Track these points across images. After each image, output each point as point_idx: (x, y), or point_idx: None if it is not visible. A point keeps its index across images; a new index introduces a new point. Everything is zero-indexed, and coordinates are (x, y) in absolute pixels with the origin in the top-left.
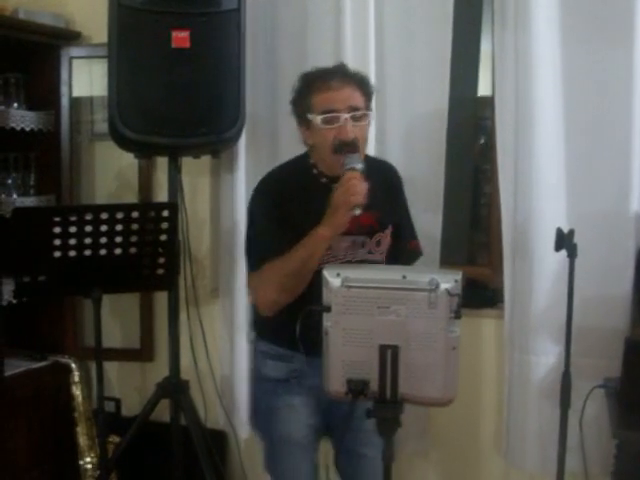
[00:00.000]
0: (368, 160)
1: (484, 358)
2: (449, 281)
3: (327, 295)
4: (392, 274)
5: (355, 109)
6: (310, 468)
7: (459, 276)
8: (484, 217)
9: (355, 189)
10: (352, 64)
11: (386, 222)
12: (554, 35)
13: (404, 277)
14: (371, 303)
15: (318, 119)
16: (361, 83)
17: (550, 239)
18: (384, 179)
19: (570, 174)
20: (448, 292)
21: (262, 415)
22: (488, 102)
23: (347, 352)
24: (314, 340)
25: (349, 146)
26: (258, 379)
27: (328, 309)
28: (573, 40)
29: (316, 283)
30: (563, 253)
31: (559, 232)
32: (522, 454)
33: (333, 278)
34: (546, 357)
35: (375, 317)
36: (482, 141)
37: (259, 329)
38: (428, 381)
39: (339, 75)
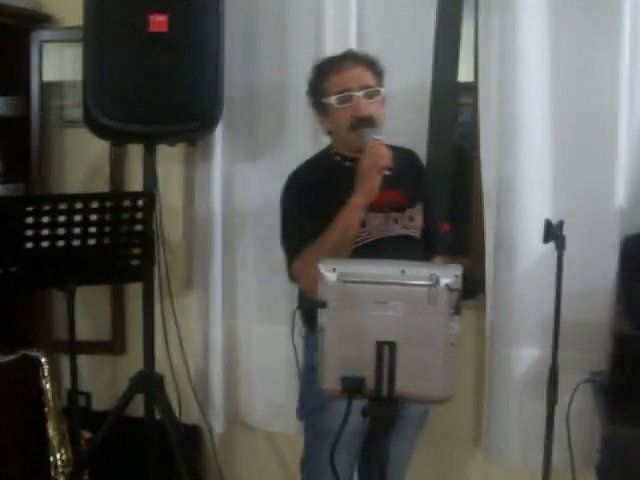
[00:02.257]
0: (390, 145)
1: (463, 350)
2: (449, 276)
3: (323, 290)
4: (390, 269)
5: (367, 87)
6: (352, 466)
7: (459, 271)
8: (464, 206)
9: (381, 151)
10: (332, 47)
11: (414, 199)
12: (541, 18)
13: (403, 272)
14: (368, 298)
15: (333, 100)
16: (371, 63)
17: (534, 230)
18: (407, 161)
19: (555, 164)
20: (448, 287)
21: (311, 407)
22: (470, 88)
23: (343, 349)
24: None
25: (365, 122)
26: (309, 372)
27: (324, 304)
28: (560, 24)
29: None
30: (547, 244)
31: (548, 223)
32: (503, 449)
33: (329, 273)
34: (528, 350)
35: (372, 313)
36: (463, 127)
37: (311, 323)
38: (426, 378)
39: (349, 58)
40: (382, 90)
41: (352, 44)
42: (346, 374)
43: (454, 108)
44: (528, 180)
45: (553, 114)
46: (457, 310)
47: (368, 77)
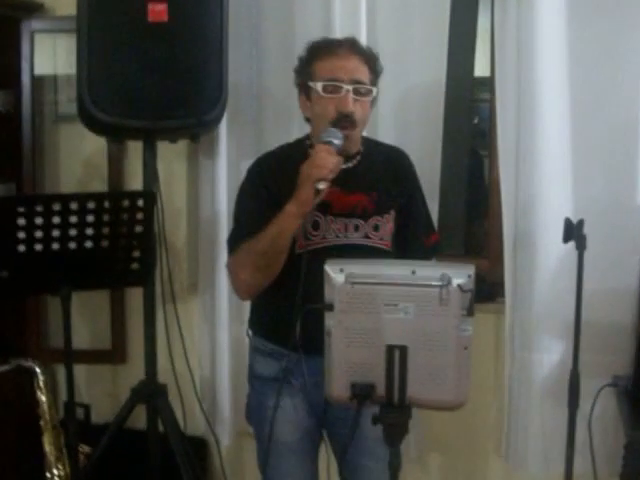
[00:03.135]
0: (376, 143)
1: (482, 356)
2: (461, 276)
3: (329, 292)
4: (400, 269)
5: (359, 82)
6: (305, 474)
7: (472, 271)
8: (482, 204)
9: (321, 161)
10: None
11: (386, 206)
12: (559, 10)
13: (413, 272)
14: (377, 300)
15: (319, 86)
16: (369, 58)
17: (554, 228)
18: (389, 162)
19: (576, 160)
20: (460, 288)
21: (253, 414)
22: (486, 83)
23: (351, 354)
24: (310, 338)
25: (346, 119)
26: (250, 376)
27: (330, 307)
28: (579, 16)
29: (310, 276)
30: (568, 244)
31: (568, 222)
32: (524, 456)
33: (336, 274)
34: (549, 354)
35: (382, 315)
36: (478, 123)
37: (253, 324)
38: (439, 383)
39: (347, 45)
40: (374, 90)
41: (362, 38)
42: (355, 380)
43: (470, 104)
44: (547, 178)
45: (572, 109)
46: (470, 312)
47: (363, 72)
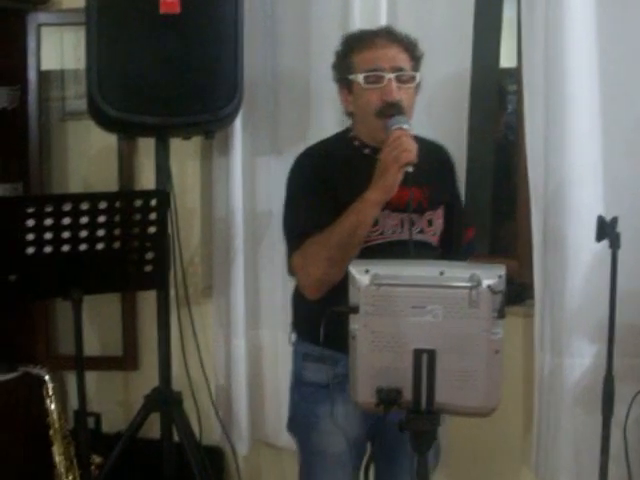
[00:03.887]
0: (417, 137)
1: (510, 361)
2: (492, 277)
3: (354, 294)
4: (428, 270)
5: (401, 69)
6: None
7: (503, 271)
8: (509, 202)
9: (405, 145)
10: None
11: (437, 200)
12: None
13: (441, 273)
14: (404, 303)
15: (360, 78)
16: (408, 45)
17: (586, 227)
18: (434, 156)
19: (606, 154)
20: (491, 289)
21: (299, 423)
22: (513, 74)
23: (377, 358)
24: None
25: (394, 108)
26: (296, 383)
27: (355, 310)
28: (609, 4)
29: None
30: (600, 243)
31: (601, 220)
32: (554, 467)
33: (361, 275)
34: (581, 359)
35: (409, 318)
36: (506, 116)
37: (300, 328)
38: (468, 388)
39: (384, 34)
40: (418, 76)
41: (382, 21)
42: (381, 385)
43: (496, 96)
44: (577, 173)
45: (602, 102)
46: (501, 314)
47: (403, 59)
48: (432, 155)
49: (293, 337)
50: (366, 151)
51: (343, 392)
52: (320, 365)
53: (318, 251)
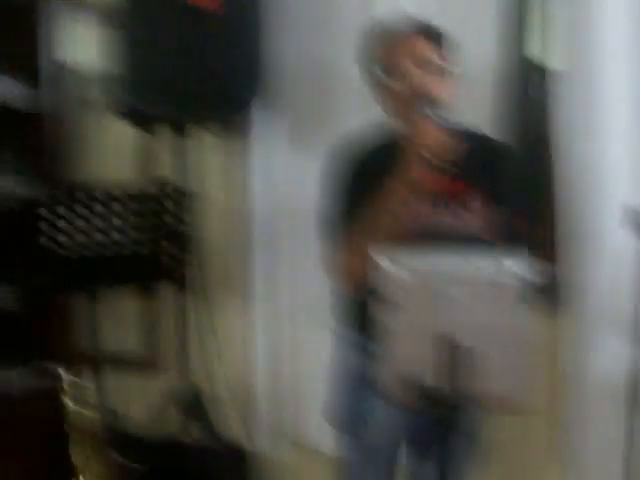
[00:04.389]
0: (456, 129)
1: (535, 356)
2: (517, 263)
3: (379, 281)
4: (453, 257)
5: (430, 62)
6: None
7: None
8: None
9: (431, 137)
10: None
11: (477, 189)
12: None
13: (466, 259)
14: (429, 290)
15: (387, 74)
16: (432, 34)
17: (612, 220)
18: (478, 147)
19: (636, 145)
20: (517, 276)
21: (344, 417)
22: (542, 68)
23: (402, 346)
24: None
25: (424, 101)
26: (340, 375)
27: (379, 297)
28: None
29: None
30: (627, 237)
31: (627, 210)
32: (581, 463)
33: (385, 262)
34: (607, 352)
35: (435, 305)
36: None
37: (344, 317)
38: (495, 378)
39: (413, 28)
40: (451, 67)
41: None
42: (406, 373)
43: (524, 89)
44: (605, 165)
45: (636, 92)
46: (527, 301)
47: (431, 50)
48: (475, 147)
49: (336, 329)
50: (402, 142)
51: None
52: (364, 356)
53: (350, 244)
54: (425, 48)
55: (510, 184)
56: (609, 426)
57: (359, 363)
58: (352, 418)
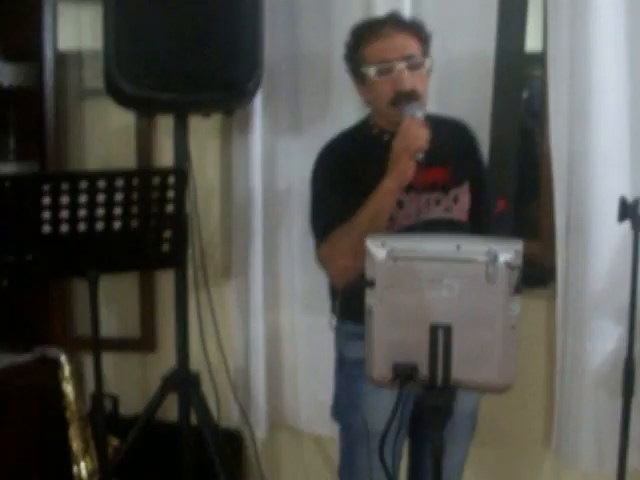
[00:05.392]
0: (437, 117)
1: (533, 343)
2: (509, 252)
3: (371, 268)
4: (444, 244)
5: (410, 57)
6: (395, 463)
7: (520, 246)
8: (532, 185)
9: (417, 132)
10: (383, 8)
11: (461, 177)
12: None
13: (458, 247)
14: (421, 277)
15: (372, 71)
16: (415, 29)
17: (610, 210)
18: (455, 134)
19: (632, 136)
20: (508, 264)
21: (345, 405)
22: (537, 58)
23: (393, 332)
24: None
25: (408, 96)
26: (341, 364)
27: (372, 284)
28: None
29: None
30: (623, 226)
31: (623, 201)
32: (576, 450)
33: (377, 249)
34: (604, 342)
35: (425, 293)
36: (528, 99)
37: (342, 309)
38: (484, 364)
39: (389, 23)
40: (428, 60)
41: (405, 10)
42: (397, 360)
43: (521, 79)
44: (602, 155)
45: (630, 85)
46: (518, 289)
47: (412, 45)
48: (452, 132)
49: (333, 320)
50: (386, 137)
51: None
52: (362, 343)
53: (342, 241)
54: (409, 44)
55: (482, 162)
56: (605, 414)
57: (356, 352)
58: (356, 405)
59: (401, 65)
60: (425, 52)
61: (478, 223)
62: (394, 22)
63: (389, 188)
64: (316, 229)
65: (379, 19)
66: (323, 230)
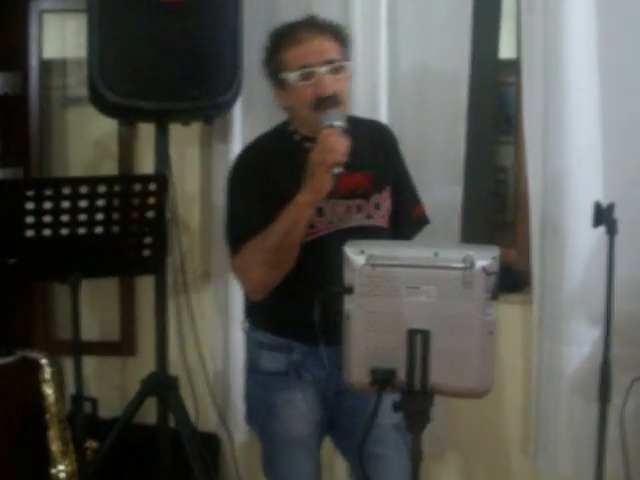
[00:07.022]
0: (356, 120)
1: (509, 348)
2: (485, 258)
3: (349, 275)
4: (422, 251)
5: (331, 61)
6: (314, 469)
7: (496, 252)
8: (508, 192)
9: (332, 146)
10: (360, 18)
11: (382, 183)
12: None
13: (436, 254)
14: (399, 283)
15: (292, 77)
16: (334, 32)
17: (584, 214)
18: (375, 138)
19: (605, 143)
20: (484, 270)
21: (257, 412)
22: (511, 66)
23: (371, 338)
24: (323, 329)
25: (329, 102)
26: (252, 372)
27: (350, 290)
28: None
29: (321, 264)
30: (598, 230)
31: (597, 206)
32: (553, 456)
33: (356, 256)
34: (580, 347)
35: (403, 299)
36: (502, 107)
37: (254, 317)
38: (462, 369)
39: (308, 27)
40: (348, 64)
41: (381, 19)
42: (375, 365)
43: (495, 87)
44: (576, 162)
45: (602, 92)
46: (495, 295)
47: (331, 49)
48: (373, 136)
49: (246, 326)
50: (306, 145)
51: (300, 379)
52: (275, 353)
53: (255, 255)
54: (329, 48)
55: (402, 165)
56: (582, 419)
57: (271, 363)
58: (270, 413)
59: (322, 70)
60: (345, 55)
61: (397, 227)
62: (311, 25)
63: (304, 201)
64: (230, 240)
65: (297, 23)
66: (236, 241)
